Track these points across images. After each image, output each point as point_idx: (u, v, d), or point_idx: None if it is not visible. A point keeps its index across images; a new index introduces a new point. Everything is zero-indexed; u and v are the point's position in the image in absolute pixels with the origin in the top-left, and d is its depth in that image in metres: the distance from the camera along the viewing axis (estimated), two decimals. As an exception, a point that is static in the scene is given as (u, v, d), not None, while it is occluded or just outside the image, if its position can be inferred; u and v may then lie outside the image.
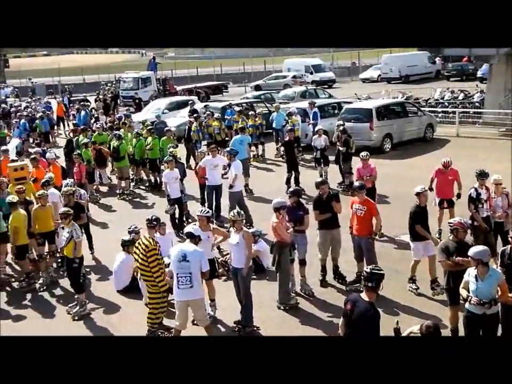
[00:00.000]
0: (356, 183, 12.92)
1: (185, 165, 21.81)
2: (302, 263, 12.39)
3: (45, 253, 13.90)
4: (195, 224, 11.50)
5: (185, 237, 10.22)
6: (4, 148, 20.99)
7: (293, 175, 19.34)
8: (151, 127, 22.63)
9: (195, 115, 25.37)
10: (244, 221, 11.72)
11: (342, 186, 18.91)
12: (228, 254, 12.53)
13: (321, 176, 19.02)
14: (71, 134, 24.38)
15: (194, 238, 10.03)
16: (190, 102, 31.44)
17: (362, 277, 8.02)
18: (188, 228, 10.40)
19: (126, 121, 24.86)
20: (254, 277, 11.96)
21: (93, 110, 33.80)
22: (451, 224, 9.91)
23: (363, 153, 15.64)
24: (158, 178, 20.80)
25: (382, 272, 7.71)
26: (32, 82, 60.51)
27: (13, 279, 14.11)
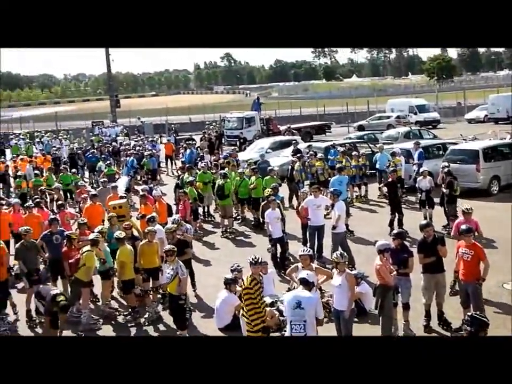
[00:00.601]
0: (463, 226, 12.45)
1: (288, 205, 22.03)
2: (406, 307, 12.16)
3: (150, 289, 14.23)
4: (302, 267, 11.25)
5: (300, 284, 9.98)
6: (113, 184, 21.82)
7: (397, 217, 19.05)
8: (254, 166, 22.96)
9: (298, 155, 25.52)
10: (347, 263, 11.62)
11: (447, 229, 18.43)
12: (330, 295, 12.43)
13: (425, 218, 18.63)
14: (179, 172, 24.99)
15: (309, 285, 9.81)
16: (294, 141, 31.61)
17: (463, 321, 7.76)
18: (302, 274, 10.15)
19: (229, 160, 25.30)
20: (356, 320, 11.81)
21: (198, 149, 34.58)
22: None
23: (467, 207, 14.43)
24: (260, 218, 20.91)
25: (484, 319, 7.41)
26: (141, 122, 62.58)
27: (118, 313, 14.46)
